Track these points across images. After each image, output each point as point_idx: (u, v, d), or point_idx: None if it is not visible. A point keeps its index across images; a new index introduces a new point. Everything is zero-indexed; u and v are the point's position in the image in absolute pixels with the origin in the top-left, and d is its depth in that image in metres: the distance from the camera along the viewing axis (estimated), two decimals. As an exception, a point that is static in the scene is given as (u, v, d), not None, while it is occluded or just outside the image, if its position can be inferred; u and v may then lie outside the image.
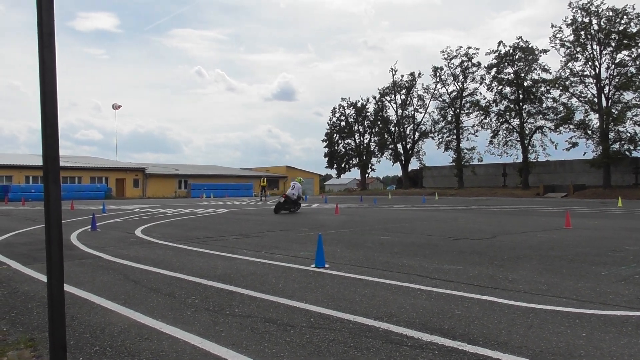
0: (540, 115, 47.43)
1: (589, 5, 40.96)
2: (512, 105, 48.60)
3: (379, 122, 62.85)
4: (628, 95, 40.53)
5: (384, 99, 61.94)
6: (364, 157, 64.74)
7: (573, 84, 43.12)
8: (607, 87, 41.36)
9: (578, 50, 42.10)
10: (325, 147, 67.60)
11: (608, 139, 40.63)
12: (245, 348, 3.59)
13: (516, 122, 48.72)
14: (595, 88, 41.90)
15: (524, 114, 48.06)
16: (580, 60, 42.35)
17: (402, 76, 60.45)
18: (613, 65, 40.85)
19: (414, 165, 62.30)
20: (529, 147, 47.76)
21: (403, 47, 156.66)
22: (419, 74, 58.79)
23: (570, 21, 42.13)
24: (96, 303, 4.98)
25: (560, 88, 43.49)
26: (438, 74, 55.54)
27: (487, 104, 50.88)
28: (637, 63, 39.60)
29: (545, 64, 47.76)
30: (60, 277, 2.67)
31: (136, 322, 4.27)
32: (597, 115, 41.67)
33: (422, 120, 59.67)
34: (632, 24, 39.45)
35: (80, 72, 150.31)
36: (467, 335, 3.83)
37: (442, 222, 15.37)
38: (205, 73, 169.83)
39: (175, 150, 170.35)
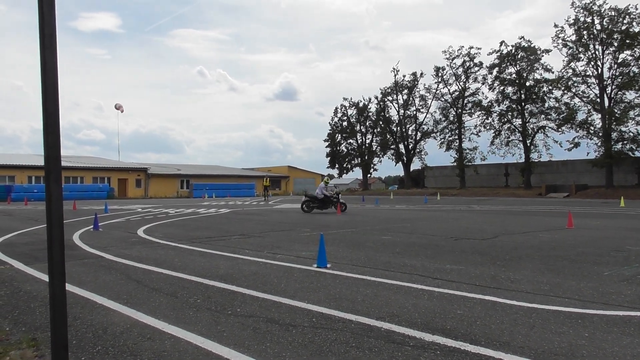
0: (543, 115, 47.31)
1: (591, 5, 40.85)
2: (514, 105, 48.44)
3: (381, 122, 62.77)
4: (630, 95, 40.45)
5: (386, 99, 61.89)
6: (366, 157, 64.68)
7: (575, 84, 43.00)
8: (609, 87, 41.24)
9: (580, 50, 41.99)
10: (327, 147, 67.59)
11: (610, 138, 40.49)
12: (247, 348, 3.59)
13: (518, 122, 48.58)
14: (597, 88, 41.79)
15: (526, 114, 47.91)
16: (582, 60, 42.26)
17: (404, 76, 60.39)
18: (615, 65, 40.73)
19: (416, 165, 62.25)
20: (531, 147, 47.66)
21: (404, 47, 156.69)
22: (421, 74, 58.78)
23: (572, 21, 42.04)
24: (98, 303, 4.99)
25: (563, 88, 43.35)
26: (440, 74, 55.46)
27: (489, 103, 50.76)
28: (640, 62, 39.51)
29: (547, 63, 47.36)
30: (61, 277, 2.68)
31: (138, 322, 4.28)
32: (599, 115, 41.57)
33: (424, 120, 59.62)
34: (634, 23, 39.34)
35: (83, 72, 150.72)
36: (469, 336, 3.83)
37: (443, 222, 15.35)
38: (207, 73, 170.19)
39: (177, 150, 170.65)
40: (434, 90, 57.01)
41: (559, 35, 43.28)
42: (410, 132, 60.98)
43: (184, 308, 4.75)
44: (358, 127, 66.46)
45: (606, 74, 41.20)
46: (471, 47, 52.56)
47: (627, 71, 40.24)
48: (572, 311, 4.52)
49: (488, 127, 50.89)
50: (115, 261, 7.70)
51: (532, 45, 47.03)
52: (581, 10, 41.39)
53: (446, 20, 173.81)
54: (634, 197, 33.53)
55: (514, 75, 48.19)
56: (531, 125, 47.97)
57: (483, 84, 52.22)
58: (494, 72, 49.57)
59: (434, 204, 29.84)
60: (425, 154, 60.27)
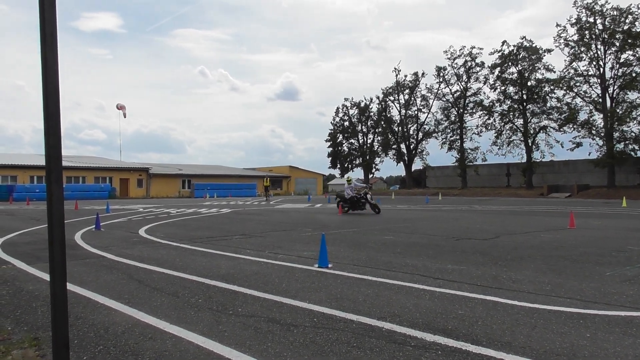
0: (544, 115, 47.25)
1: (593, 4, 40.82)
2: (515, 105, 48.42)
3: (382, 122, 62.79)
4: (632, 95, 40.44)
5: (388, 99, 61.93)
6: (368, 157, 64.69)
7: (577, 84, 42.98)
8: (611, 87, 41.21)
9: (582, 49, 41.95)
10: (328, 147, 67.65)
11: (612, 138, 40.45)
12: (248, 348, 3.59)
13: (520, 122, 48.57)
14: (599, 88, 41.76)
15: (528, 114, 47.87)
16: (584, 60, 42.25)
17: (406, 76, 60.60)
18: (617, 65, 40.69)
19: (417, 165, 62.29)
20: (533, 147, 47.60)
21: (406, 46, 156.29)
22: (423, 74, 58.81)
23: (574, 20, 42.03)
24: (100, 302, 5.00)
25: (565, 88, 43.32)
26: (441, 74, 55.52)
27: (491, 103, 50.75)
28: (642, 63, 39.44)
29: (549, 63, 47.50)
30: (62, 276, 2.68)
31: (140, 322, 4.28)
32: (601, 115, 41.52)
33: (425, 120, 59.67)
34: (636, 23, 39.31)
35: (84, 72, 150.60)
36: (471, 336, 3.82)
37: (445, 222, 15.34)
38: (208, 73, 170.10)
39: (179, 150, 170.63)
40: (436, 90, 57.14)
41: (561, 35, 43.31)
42: (411, 132, 61.04)
43: (186, 308, 4.75)
44: (359, 127, 66.51)
45: (608, 74, 41.22)
46: (473, 47, 52.69)
47: (629, 71, 40.21)
48: (573, 311, 4.51)
49: (489, 127, 50.92)
50: (117, 261, 7.71)
51: (534, 45, 47.07)
52: (583, 10, 41.38)
53: (447, 20, 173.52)
54: (635, 197, 33.45)
55: (515, 75, 48.17)
56: (533, 125, 47.94)
57: (484, 83, 52.29)
58: (496, 72, 49.56)
59: (436, 204, 29.81)
60: (426, 154, 60.41)
